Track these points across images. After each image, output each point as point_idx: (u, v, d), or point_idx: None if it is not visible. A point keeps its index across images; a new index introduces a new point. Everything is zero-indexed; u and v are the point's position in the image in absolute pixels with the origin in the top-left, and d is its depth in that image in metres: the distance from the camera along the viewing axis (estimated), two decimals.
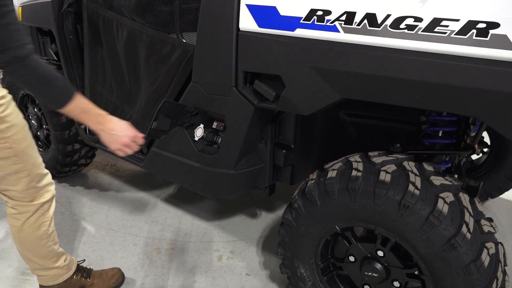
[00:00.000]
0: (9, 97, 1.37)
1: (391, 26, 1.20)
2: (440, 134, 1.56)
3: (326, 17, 1.30)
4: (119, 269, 1.91)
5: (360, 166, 1.39)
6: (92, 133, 2.41)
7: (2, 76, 1.42)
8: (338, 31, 1.29)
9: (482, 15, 1.08)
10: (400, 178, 1.31)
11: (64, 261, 1.68)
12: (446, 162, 1.58)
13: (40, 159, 1.50)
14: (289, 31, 1.39)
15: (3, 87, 1.37)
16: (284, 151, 1.81)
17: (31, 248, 1.58)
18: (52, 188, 1.56)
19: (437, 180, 1.30)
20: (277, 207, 2.57)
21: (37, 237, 1.55)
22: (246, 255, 2.13)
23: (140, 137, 1.48)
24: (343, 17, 1.27)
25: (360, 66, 1.28)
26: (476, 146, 1.98)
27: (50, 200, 1.55)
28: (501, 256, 1.29)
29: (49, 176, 1.55)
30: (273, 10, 1.41)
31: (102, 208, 2.50)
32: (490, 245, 1.26)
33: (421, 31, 1.16)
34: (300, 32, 1.37)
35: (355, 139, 1.94)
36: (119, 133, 1.40)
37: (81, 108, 1.34)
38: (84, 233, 2.26)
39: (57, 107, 1.32)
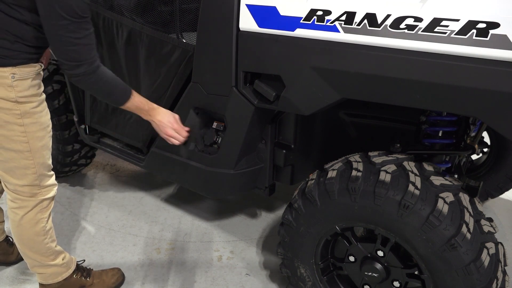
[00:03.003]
0: (44, 96, 1.46)
1: (391, 26, 1.20)
2: (440, 134, 1.56)
3: (326, 17, 1.30)
4: (119, 269, 1.91)
5: (360, 166, 1.39)
6: (92, 133, 2.41)
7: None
8: (338, 31, 1.29)
9: (482, 15, 1.08)
10: (400, 178, 1.31)
11: (63, 260, 1.69)
12: (446, 162, 1.58)
13: (49, 161, 1.54)
14: (289, 31, 1.39)
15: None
16: (284, 151, 1.81)
17: (28, 244, 1.59)
18: (54, 189, 1.59)
19: (437, 180, 1.30)
20: (277, 207, 2.57)
21: (35, 233, 1.56)
22: (246, 255, 2.12)
23: (184, 131, 1.73)
24: (343, 17, 1.27)
25: (360, 66, 1.28)
26: (476, 146, 1.98)
27: (50, 199, 1.57)
28: (501, 256, 1.29)
29: (53, 177, 1.58)
30: (273, 10, 1.41)
31: (102, 208, 2.50)
32: (490, 245, 1.26)
33: (421, 31, 1.16)
34: (300, 32, 1.37)
35: (355, 139, 1.94)
36: (164, 125, 1.66)
37: (136, 105, 1.57)
38: (84, 233, 2.26)
39: (116, 105, 1.57)
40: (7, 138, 1.38)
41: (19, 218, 1.53)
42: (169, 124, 1.67)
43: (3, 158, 1.42)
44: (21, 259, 1.95)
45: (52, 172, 1.57)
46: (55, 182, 1.59)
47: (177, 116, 1.73)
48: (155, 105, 1.66)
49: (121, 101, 1.53)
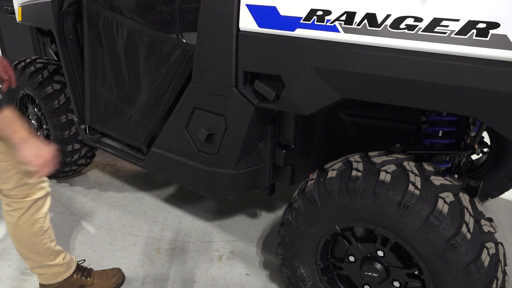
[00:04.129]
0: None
1: (391, 26, 1.20)
2: (440, 134, 1.56)
3: (326, 17, 1.30)
4: (119, 270, 1.91)
5: (360, 166, 1.39)
6: (92, 133, 2.41)
7: None
8: (338, 31, 1.29)
9: (482, 15, 1.08)
10: (400, 178, 1.31)
11: (63, 259, 1.69)
12: (446, 162, 1.58)
13: None
14: (289, 31, 1.39)
15: None
16: (284, 151, 1.81)
17: (27, 244, 1.58)
18: (46, 185, 1.55)
19: (437, 180, 1.30)
20: (277, 207, 2.57)
21: (32, 234, 1.55)
22: (246, 255, 2.13)
23: (55, 156, 1.37)
24: (343, 17, 1.27)
25: (360, 66, 1.28)
26: (476, 146, 1.98)
27: (44, 197, 1.55)
28: (501, 256, 1.29)
29: None
30: (273, 10, 1.41)
31: (102, 208, 2.50)
32: (490, 245, 1.26)
33: (421, 31, 1.16)
34: (300, 32, 1.37)
35: (355, 139, 1.94)
36: (43, 147, 1.32)
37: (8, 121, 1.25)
38: (84, 233, 2.26)
39: None
40: None
41: (15, 220, 1.52)
42: (46, 146, 1.33)
43: None
44: None
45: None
46: (45, 177, 1.53)
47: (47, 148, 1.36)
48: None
49: None
